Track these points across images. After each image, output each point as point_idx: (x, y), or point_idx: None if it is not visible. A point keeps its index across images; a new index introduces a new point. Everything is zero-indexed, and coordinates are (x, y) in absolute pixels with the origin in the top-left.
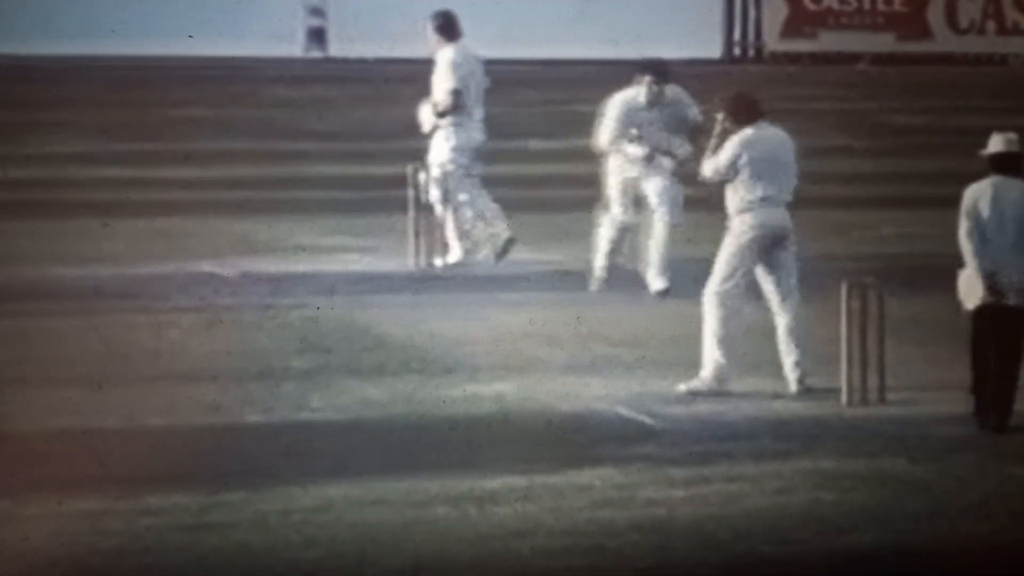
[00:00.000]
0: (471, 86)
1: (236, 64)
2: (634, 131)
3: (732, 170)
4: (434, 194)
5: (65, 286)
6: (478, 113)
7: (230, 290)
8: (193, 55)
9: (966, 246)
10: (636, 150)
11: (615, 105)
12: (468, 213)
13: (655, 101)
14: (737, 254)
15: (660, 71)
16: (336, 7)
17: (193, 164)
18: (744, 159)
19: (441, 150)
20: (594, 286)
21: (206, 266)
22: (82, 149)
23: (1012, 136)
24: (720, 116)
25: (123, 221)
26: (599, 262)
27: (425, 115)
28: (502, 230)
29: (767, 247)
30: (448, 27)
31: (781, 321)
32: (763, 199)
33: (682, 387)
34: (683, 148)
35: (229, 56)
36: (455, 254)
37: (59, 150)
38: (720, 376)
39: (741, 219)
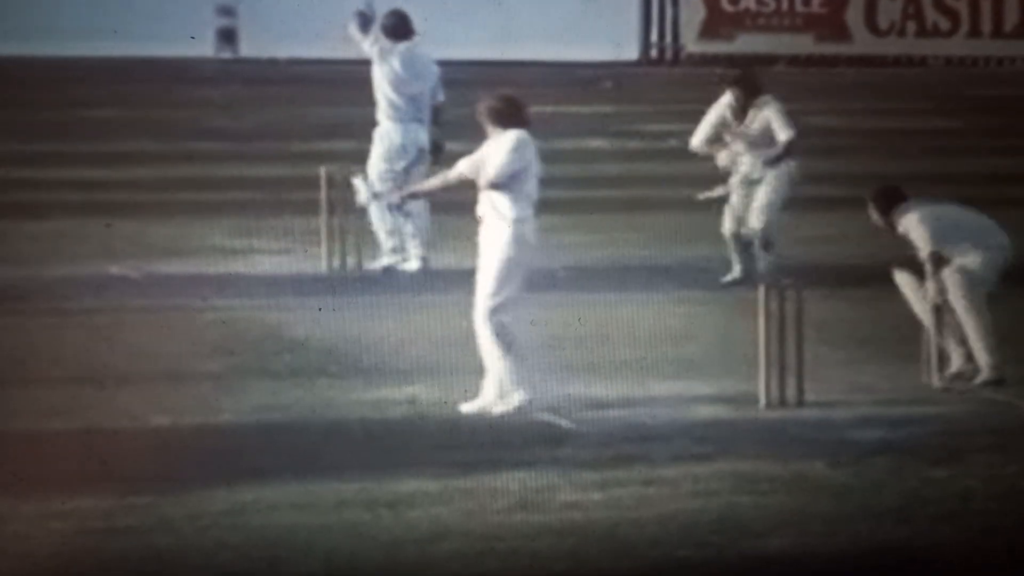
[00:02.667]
0: (414, 82)
1: (146, 64)
2: None
3: None
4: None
5: None
6: (413, 113)
7: (139, 292)
8: (102, 55)
9: None
10: None
11: None
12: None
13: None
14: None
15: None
16: (247, 7)
17: (102, 165)
18: None
19: (374, 153)
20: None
21: (115, 268)
22: None
23: None
24: None
25: (31, 223)
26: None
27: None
28: (414, 253)
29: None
30: (399, 26)
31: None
32: None
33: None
34: None
35: (138, 56)
36: (403, 259)
37: None
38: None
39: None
